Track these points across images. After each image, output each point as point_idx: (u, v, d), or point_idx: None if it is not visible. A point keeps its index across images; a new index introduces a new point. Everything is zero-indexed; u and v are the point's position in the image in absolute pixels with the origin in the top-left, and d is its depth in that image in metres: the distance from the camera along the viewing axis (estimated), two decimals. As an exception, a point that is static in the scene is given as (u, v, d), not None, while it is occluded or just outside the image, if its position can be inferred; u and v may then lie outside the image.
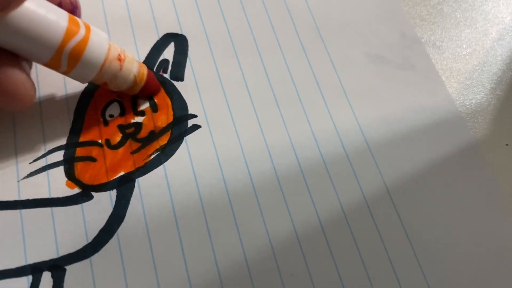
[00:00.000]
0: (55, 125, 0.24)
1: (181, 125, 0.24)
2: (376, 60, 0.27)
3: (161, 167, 0.23)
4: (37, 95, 0.24)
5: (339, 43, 0.27)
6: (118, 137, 0.24)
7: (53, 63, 0.21)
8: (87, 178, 0.23)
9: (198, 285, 0.21)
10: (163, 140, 0.24)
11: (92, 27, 0.21)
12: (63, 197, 0.22)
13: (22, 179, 0.23)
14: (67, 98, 0.25)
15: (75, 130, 0.24)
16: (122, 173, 0.23)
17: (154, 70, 0.26)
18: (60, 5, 0.22)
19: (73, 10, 0.23)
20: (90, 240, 0.21)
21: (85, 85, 0.25)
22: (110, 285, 0.21)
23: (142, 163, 0.23)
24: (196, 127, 0.24)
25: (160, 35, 0.26)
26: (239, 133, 0.24)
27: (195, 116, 0.24)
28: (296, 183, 0.23)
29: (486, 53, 0.27)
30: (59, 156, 0.23)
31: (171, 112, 0.24)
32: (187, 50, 0.26)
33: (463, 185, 0.23)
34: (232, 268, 0.21)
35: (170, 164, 0.23)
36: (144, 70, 0.24)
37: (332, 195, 0.23)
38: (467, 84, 0.26)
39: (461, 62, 0.27)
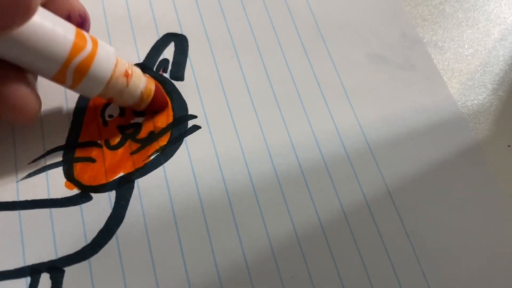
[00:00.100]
0: (54, 125, 0.24)
1: (181, 125, 0.24)
2: (377, 60, 0.26)
3: (160, 168, 0.23)
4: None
5: (340, 43, 0.27)
6: (117, 138, 0.24)
7: (58, 78, 0.20)
8: (86, 179, 0.23)
9: (198, 287, 0.21)
10: (163, 140, 0.24)
11: (100, 42, 0.21)
12: (62, 198, 0.22)
13: (21, 179, 0.22)
14: (66, 98, 0.24)
15: (74, 131, 0.24)
16: (121, 174, 0.23)
17: (154, 69, 0.25)
18: (69, 17, 0.22)
19: (82, 23, 0.23)
20: (89, 241, 0.21)
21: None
22: (109, 287, 0.20)
23: (141, 164, 0.23)
24: (196, 127, 0.24)
25: (160, 35, 0.26)
26: (239, 133, 0.24)
27: (195, 116, 0.24)
28: (297, 184, 0.23)
29: (488, 54, 0.27)
30: (58, 156, 0.23)
31: (171, 113, 0.24)
32: (187, 50, 0.26)
33: (464, 186, 0.23)
34: (232, 269, 0.21)
35: (170, 165, 0.23)
36: (152, 86, 0.23)
37: (333, 195, 0.23)
38: (469, 85, 0.26)
39: (463, 63, 0.27)
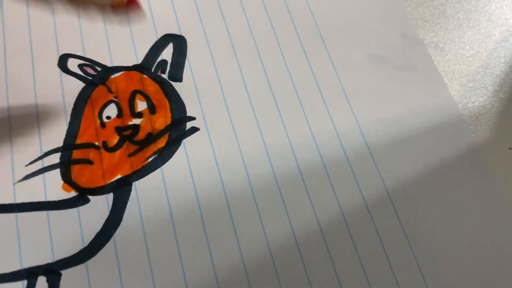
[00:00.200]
0: (51, 127, 0.24)
1: (179, 127, 0.24)
2: (377, 60, 0.26)
3: (158, 170, 0.23)
4: (33, 95, 0.24)
5: (340, 43, 0.27)
6: (115, 140, 0.23)
7: None
8: (83, 181, 0.22)
9: (195, 290, 0.21)
10: (161, 142, 0.23)
11: None
12: (59, 201, 0.22)
13: (17, 181, 0.22)
14: (64, 99, 0.24)
15: (72, 132, 0.23)
16: (119, 176, 0.23)
17: (153, 70, 0.25)
18: None
19: None
20: (86, 244, 0.21)
21: (83, 85, 0.24)
22: (106, 290, 0.20)
23: (139, 166, 0.23)
24: (194, 129, 0.24)
25: (159, 36, 0.26)
26: (238, 135, 0.24)
27: (193, 118, 0.24)
28: (295, 186, 0.23)
29: (489, 55, 0.27)
30: (55, 158, 0.23)
31: (169, 114, 0.24)
32: (186, 51, 0.26)
33: (464, 189, 0.23)
34: (230, 272, 0.21)
35: (168, 167, 0.23)
36: None
37: (332, 198, 0.23)
38: (470, 87, 0.26)
39: (463, 64, 0.27)
